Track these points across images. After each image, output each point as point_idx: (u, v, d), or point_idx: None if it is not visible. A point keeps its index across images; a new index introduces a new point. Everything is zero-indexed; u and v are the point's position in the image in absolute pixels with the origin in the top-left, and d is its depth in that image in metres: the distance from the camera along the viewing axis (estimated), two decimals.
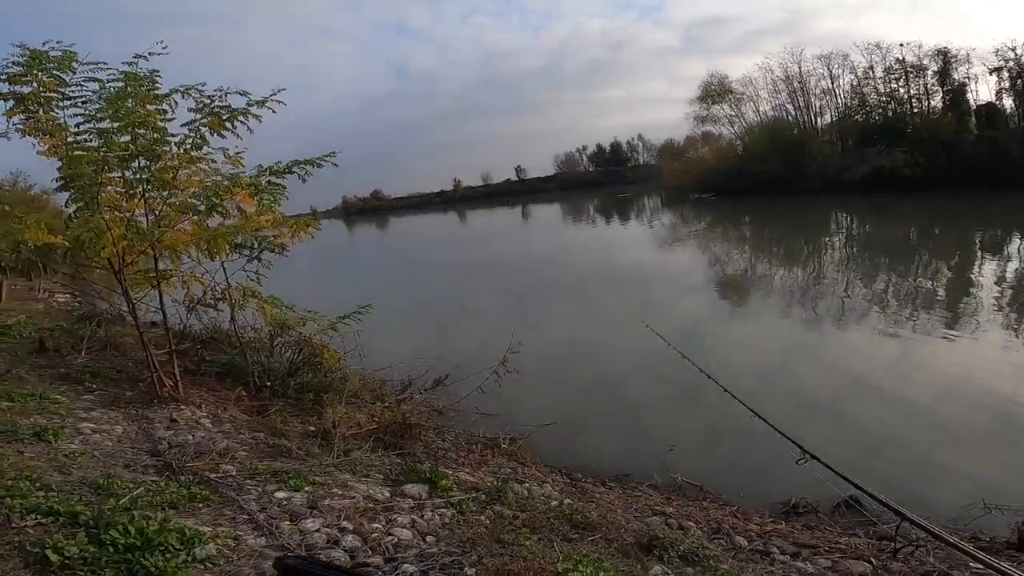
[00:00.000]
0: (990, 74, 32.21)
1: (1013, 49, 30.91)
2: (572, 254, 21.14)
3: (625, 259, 18.63)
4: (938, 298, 10.94)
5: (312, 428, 4.51)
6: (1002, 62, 31.40)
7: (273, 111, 4.69)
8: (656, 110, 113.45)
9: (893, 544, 3.21)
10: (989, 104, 32.75)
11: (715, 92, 41.62)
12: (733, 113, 41.43)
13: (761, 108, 40.50)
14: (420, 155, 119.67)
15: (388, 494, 3.18)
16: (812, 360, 7.99)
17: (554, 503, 3.42)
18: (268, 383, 5.46)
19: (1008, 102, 32.03)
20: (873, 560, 3.12)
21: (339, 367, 5.80)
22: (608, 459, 5.28)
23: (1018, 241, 16.59)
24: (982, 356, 7.49)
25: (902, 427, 5.53)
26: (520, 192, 66.62)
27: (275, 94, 4.69)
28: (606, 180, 62.76)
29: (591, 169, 70.94)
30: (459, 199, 70.35)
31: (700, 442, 5.61)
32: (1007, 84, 31.70)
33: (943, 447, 5.13)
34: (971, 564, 3.02)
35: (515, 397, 6.04)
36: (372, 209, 74.88)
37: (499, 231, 35.73)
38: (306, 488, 3.00)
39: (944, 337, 8.44)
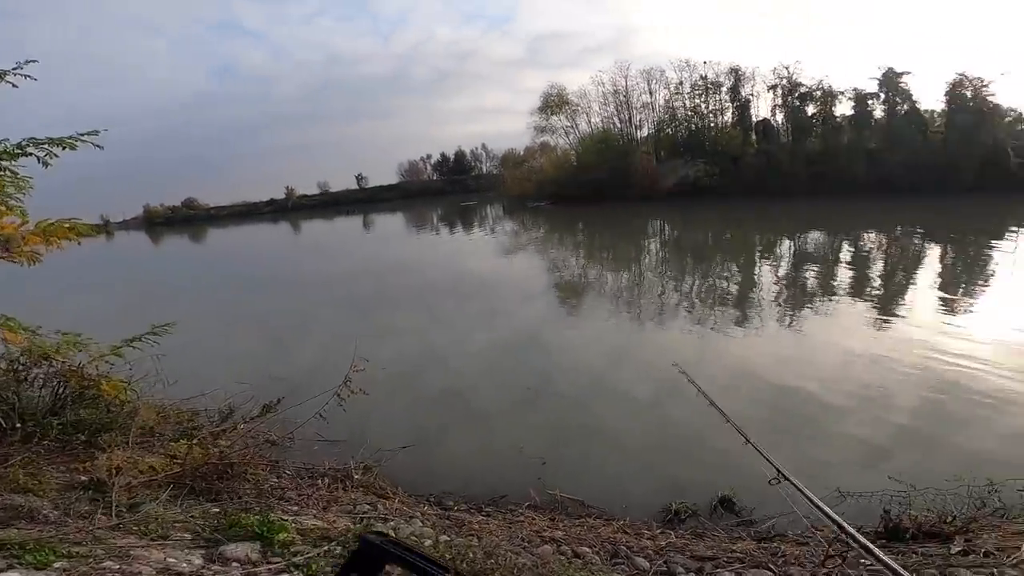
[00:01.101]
0: (768, 91, 38.28)
1: (787, 67, 37.36)
2: (416, 264, 20.67)
3: (470, 267, 18.81)
4: (729, 296, 12.62)
5: (84, 479, 3.51)
6: (777, 80, 37.54)
7: (14, 85, 3.83)
8: (500, 120, 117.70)
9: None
10: (765, 120, 39.05)
11: (554, 103, 44.00)
12: (569, 124, 44.28)
13: (593, 120, 43.73)
14: (248, 161, 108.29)
15: (200, 561, 2.42)
16: (637, 357, 8.64)
17: (428, 543, 3.00)
18: (19, 424, 4.15)
19: (780, 117, 38.49)
20: (773, 567, 3.16)
21: (126, 400, 4.70)
22: (479, 479, 5.01)
23: (787, 243, 20.04)
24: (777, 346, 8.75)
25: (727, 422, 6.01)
26: (360, 201, 63.81)
27: (19, 67, 3.82)
28: (450, 189, 63.12)
29: (435, 178, 70.75)
30: (292, 208, 64.89)
31: (565, 449, 5.59)
32: (780, 101, 38.07)
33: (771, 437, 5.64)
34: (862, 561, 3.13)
35: (364, 418, 5.61)
36: (185, 219, 65.51)
37: (338, 242, 33.69)
38: (56, 564, 2.15)
39: (736, 329, 9.67)
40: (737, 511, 4.30)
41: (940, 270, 13.87)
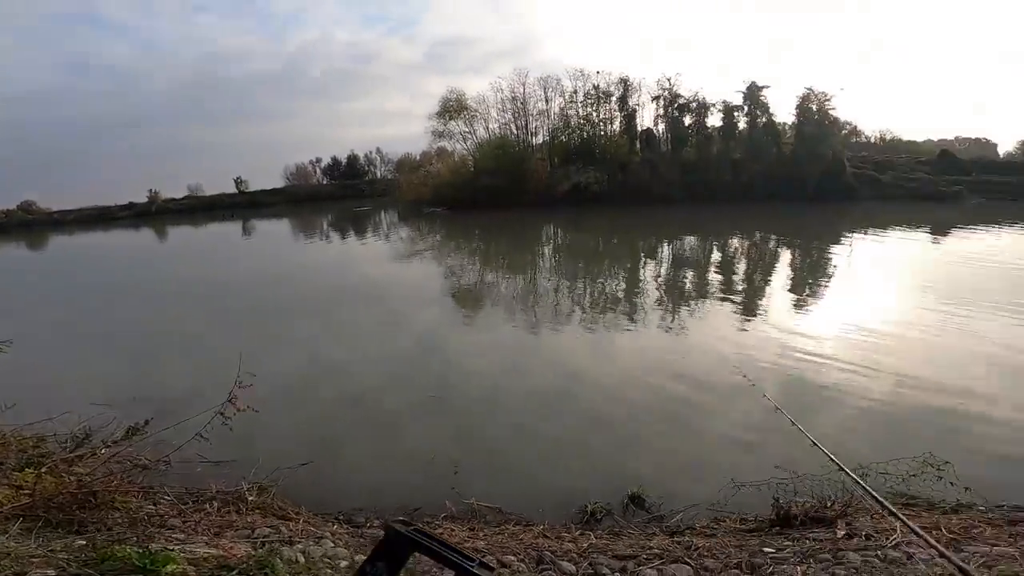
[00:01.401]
0: (652, 101, 41.03)
1: (669, 79, 40.20)
2: (306, 271, 19.44)
3: (365, 274, 18.07)
4: (618, 299, 13.21)
5: None
6: (660, 91, 40.31)
7: None
8: (399, 125, 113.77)
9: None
10: (648, 129, 41.84)
11: (453, 108, 43.34)
12: (467, 130, 43.88)
13: (491, 126, 43.70)
14: (109, 162, 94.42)
15: None
16: (538, 359, 8.78)
17: (344, 564, 2.80)
18: None
19: (661, 127, 41.37)
20: (690, 561, 3.23)
21: None
22: (390, 492, 4.78)
23: (667, 248, 21.62)
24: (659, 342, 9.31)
25: (635, 418, 6.29)
26: (240, 206, 58.51)
27: None
28: (341, 194, 60.16)
29: (325, 182, 67.15)
30: (157, 212, 58.06)
31: (476, 456, 5.50)
32: (662, 112, 40.91)
33: (667, 434, 5.91)
34: (765, 550, 3.29)
35: (255, 437, 5.28)
36: (22, 224, 56.15)
37: (213, 249, 30.67)
38: None
39: (626, 329, 10.11)
40: (647, 507, 4.44)
41: (791, 273, 15.69)
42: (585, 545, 3.64)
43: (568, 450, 5.59)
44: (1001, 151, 54.20)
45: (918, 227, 23.17)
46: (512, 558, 3.38)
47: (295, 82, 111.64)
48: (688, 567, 3.18)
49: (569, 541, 3.78)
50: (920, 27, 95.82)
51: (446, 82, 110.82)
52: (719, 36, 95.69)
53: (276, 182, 66.85)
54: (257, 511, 4.05)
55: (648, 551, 3.48)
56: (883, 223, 24.12)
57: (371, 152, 69.48)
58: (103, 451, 4.41)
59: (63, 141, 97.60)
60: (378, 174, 67.02)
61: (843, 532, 3.38)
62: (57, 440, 4.91)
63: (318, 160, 68.94)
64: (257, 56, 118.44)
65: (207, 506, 4.01)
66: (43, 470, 3.63)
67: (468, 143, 43.93)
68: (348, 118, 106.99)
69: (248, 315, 12.60)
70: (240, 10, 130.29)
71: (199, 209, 59.06)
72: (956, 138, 57.54)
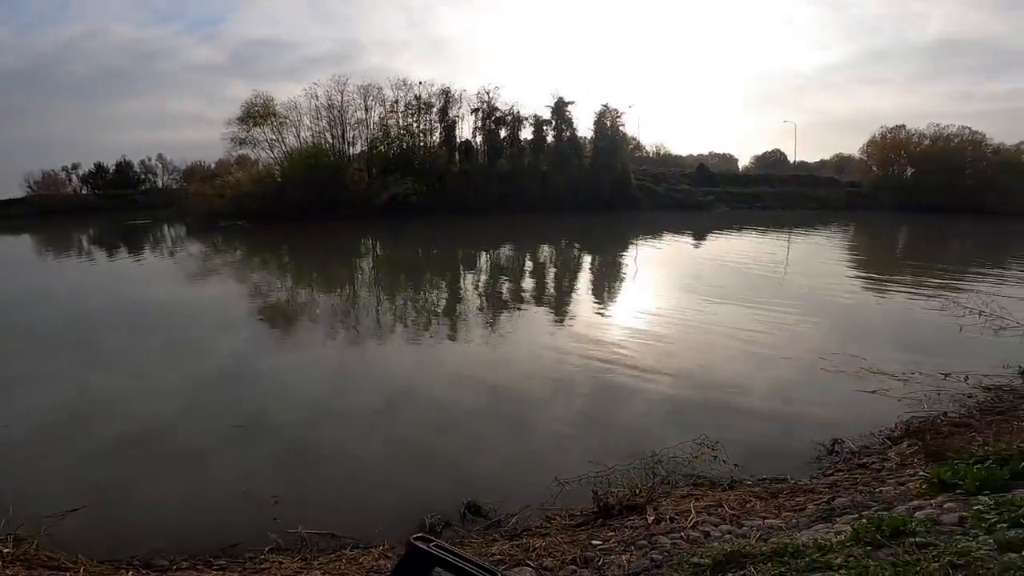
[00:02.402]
0: (471, 113, 41.80)
1: (488, 92, 41.45)
2: (57, 296, 15.48)
3: (142, 296, 15.11)
4: (440, 309, 13.31)
5: None
6: (480, 103, 41.41)
7: None
8: (189, 130, 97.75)
9: None
10: (467, 141, 42.75)
11: (258, 114, 39.30)
12: (275, 137, 40.05)
13: (302, 134, 40.61)
14: None
15: None
16: (359, 376, 8.47)
17: None
18: None
19: (479, 139, 42.42)
20: (531, 563, 3.31)
21: None
22: (198, 530, 4.20)
23: (484, 257, 22.50)
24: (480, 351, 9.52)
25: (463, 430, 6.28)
26: None
27: None
28: (109, 205, 49.85)
29: (84, 192, 55.01)
30: None
31: (299, 482, 5.10)
32: (480, 124, 42.03)
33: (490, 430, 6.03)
34: (594, 543, 3.46)
35: (4, 484, 4.68)
36: None
37: None
38: None
39: (449, 339, 10.19)
40: (485, 514, 4.45)
41: (592, 277, 17.64)
42: None
43: (399, 465, 5.47)
44: (740, 164, 68.91)
45: (683, 232, 27.93)
46: None
47: (46, 78, 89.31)
48: (530, 568, 3.28)
49: None
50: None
51: (253, 86, 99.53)
52: (534, 54, 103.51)
53: (12, 192, 52.59)
54: (19, 563, 3.60)
55: (490, 558, 3.51)
56: (658, 230, 28.55)
57: (150, 159, 59.05)
58: None
59: None
60: (159, 183, 57.31)
61: (652, 517, 3.72)
62: None
63: (74, 166, 56.05)
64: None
65: None
66: None
67: (275, 151, 40.28)
68: (122, 119, 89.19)
69: None
70: None
71: None
72: (710, 153, 71.22)
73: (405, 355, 9.45)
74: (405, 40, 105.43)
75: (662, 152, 64.07)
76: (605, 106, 42.67)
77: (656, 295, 13.80)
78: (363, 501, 4.78)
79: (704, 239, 25.76)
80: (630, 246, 24.25)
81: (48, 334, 10.69)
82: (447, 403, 7.05)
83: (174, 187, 51.26)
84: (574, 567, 3.24)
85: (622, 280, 16.42)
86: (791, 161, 59.69)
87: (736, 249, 21.76)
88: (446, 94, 41.50)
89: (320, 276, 19.11)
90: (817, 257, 21.40)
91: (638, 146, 51.87)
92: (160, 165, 58.52)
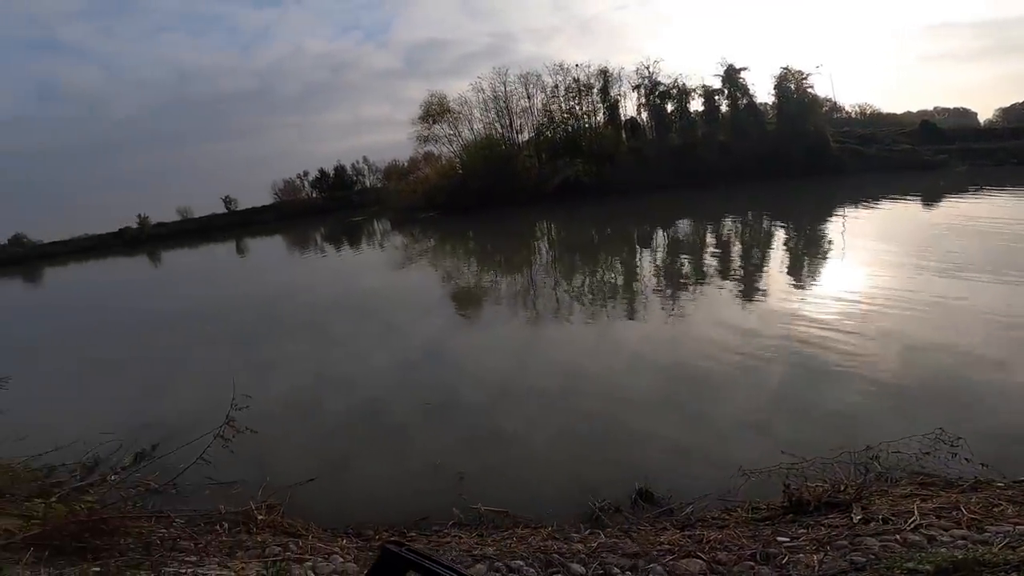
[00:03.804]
0: (633, 90, 41.22)
1: (647, 67, 40.35)
2: (303, 287, 19.40)
3: (362, 285, 18.01)
4: (617, 288, 13.28)
5: None
6: (640, 79, 40.53)
7: None
8: (382, 132, 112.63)
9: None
10: (632, 119, 42.06)
11: (435, 112, 43.32)
12: (452, 132, 43.85)
13: (475, 127, 43.65)
14: (88, 190, 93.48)
15: None
16: (539, 358, 8.74)
17: None
18: None
19: (645, 115, 41.57)
20: (702, 555, 3.17)
21: None
22: (396, 503, 4.73)
23: (661, 234, 21.68)
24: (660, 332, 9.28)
25: (632, 414, 6.21)
26: (232, 225, 58.37)
27: None
28: (333, 206, 59.91)
29: (314, 196, 66.91)
30: (148, 238, 57.77)
31: (481, 460, 5.44)
32: (643, 100, 41.13)
33: (671, 425, 5.84)
34: (779, 539, 3.20)
35: (260, 456, 5.34)
36: (13, 260, 55.81)
37: (209, 272, 30.53)
38: None
39: (626, 318, 10.16)
40: (656, 501, 4.36)
41: (787, 250, 15.73)
42: (595, 545, 3.58)
43: (572, 447, 5.54)
44: (981, 119, 54.66)
45: (905, 197, 23.29)
46: (521, 562, 3.32)
47: (271, 96, 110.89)
48: (700, 561, 3.12)
49: (578, 542, 3.72)
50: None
51: (426, 86, 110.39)
52: (693, 22, 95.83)
53: (265, 199, 66.58)
54: (267, 530, 4.05)
55: (658, 547, 3.43)
56: (871, 195, 24.23)
57: (358, 161, 69.28)
58: (112, 478, 4.56)
59: (40, 170, 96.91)
60: (367, 183, 66.86)
61: (859, 516, 3.31)
62: (67, 469, 4.98)
63: (305, 174, 68.60)
64: (228, 73, 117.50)
65: (217, 527, 4.00)
66: (53, 499, 3.70)
67: (454, 145, 43.98)
68: (328, 130, 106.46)
69: (248, 336, 12.55)
70: (203, 28, 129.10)
71: (192, 231, 58.84)
72: (936, 109, 57.63)
73: (583, 336, 9.60)
74: (554, 25, 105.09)
75: (868, 112, 54.19)
76: (786, 69, 37.85)
77: (871, 268, 11.76)
78: (536, 481, 4.91)
79: (936, 204, 21.12)
80: (834, 214, 21.08)
81: (294, 323, 13.25)
82: (624, 386, 6.99)
83: (379, 186, 59.23)
84: (752, 563, 2.99)
85: (826, 253, 14.36)
86: None
87: (984, 214, 17.40)
88: (604, 74, 41.16)
89: (502, 259, 20.49)
90: None
91: (835, 107, 44.59)
92: (366, 167, 68.27)
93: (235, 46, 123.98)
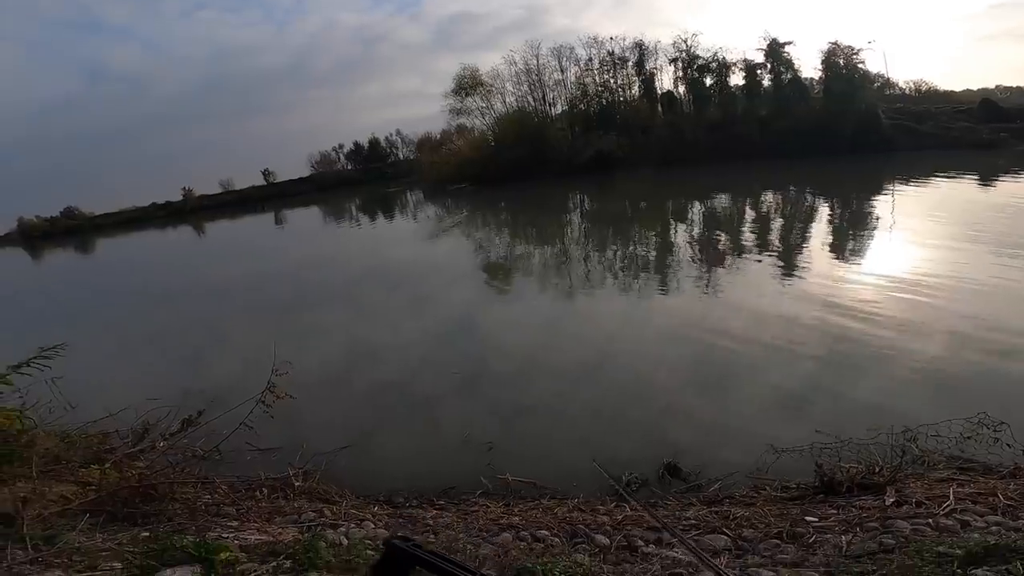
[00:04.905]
0: (669, 64, 39.80)
1: (685, 40, 38.85)
2: (338, 257, 19.84)
3: (394, 255, 18.20)
4: (650, 262, 13.10)
5: None
6: (677, 53, 39.11)
7: None
8: (413, 105, 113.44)
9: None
10: (669, 92, 40.68)
11: (468, 85, 43.04)
12: (484, 105, 43.53)
13: (508, 100, 43.26)
14: (134, 165, 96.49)
15: None
16: (568, 331, 8.73)
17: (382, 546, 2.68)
18: None
19: (682, 89, 40.21)
20: (728, 531, 3.16)
21: (22, 429, 4.31)
22: (426, 471, 4.84)
23: (697, 207, 21.18)
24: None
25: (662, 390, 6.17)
26: (271, 196, 59.57)
27: None
28: (367, 178, 60.57)
29: (349, 168, 67.56)
30: (192, 210, 59.58)
31: (510, 431, 5.50)
32: (681, 73, 39.75)
33: (701, 398, 5.80)
34: (807, 518, 3.19)
35: (297, 423, 5.42)
36: (67, 231, 58.54)
37: (250, 242, 31.44)
38: None
39: (659, 293, 10.08)
40: (684, 476, 4.34)
41: (830, 226, 15.12)
42: (620, 517, 3.57)
43: (600, 420, 5.54)
44: None
45: (961, 175, 22.01)
46: (546, 532, 3.34)
47: (305, 71, 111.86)
48: (725, 537, 3.10)
49: (604, 514, 3.70)
50: None
51: (457, 59, 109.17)
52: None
53: (302, 171, 67.67)
54: (303, 496, 4.16)
55: (684, 521, 3.41)
56: (924, 172, 22.98)
57: (391, 134, 69.47)
58: (161, 444, 4.72)
59: (90, 147, 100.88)
60: (400, 155, 67.10)
61: (892, 499, 3.21)
62: (119, 436, 5.16)
63: (340, 146, 69.34)
64: (265, 49, 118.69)
65: (257, 493, 4.14)
66: (107, 466, 3.82)
67: (487, 118, 43.63)
68: (361, 103, 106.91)
69: (285, 305, 12.86)
70: (239, 5, 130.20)
71: (233, 203, 60.39)
72: (997, 87, 53.39)
73: (613, 309, 9.53)
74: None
75: (924, 89, 50.89)
76: (835, 43, 35.67)
77: (921, 247, 11.21)
78: (563, 453, 4.90)
79: (992, 183, 19.89)
80: (883, 191, 20.15)
81: (330, 293, 13.53)
82: (653, 360, 6.93)
83: (412, 158, 59.40)
84: (778, 541, 2.95)
85: (872, 229, 13.76)
86: None
87: None
88: (640, 47, 40.05)
89: (534, 231, 20.43)
90: None
91: (888, 83, 42.06)
92: (399, 140, 68.47)
93: (271, 22, 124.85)
